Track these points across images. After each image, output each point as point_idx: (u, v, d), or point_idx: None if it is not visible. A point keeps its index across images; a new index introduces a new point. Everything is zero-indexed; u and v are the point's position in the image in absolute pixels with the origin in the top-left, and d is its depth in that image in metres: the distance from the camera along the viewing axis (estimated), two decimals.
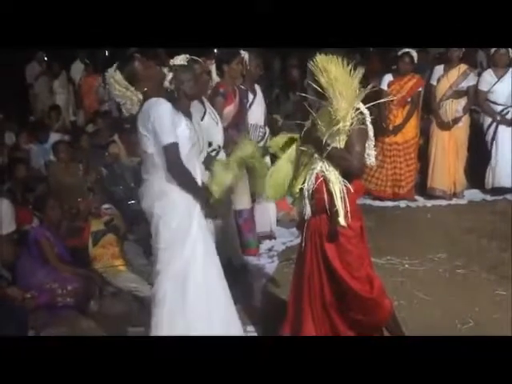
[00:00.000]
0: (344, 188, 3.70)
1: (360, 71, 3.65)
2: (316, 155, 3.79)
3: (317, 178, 3.76)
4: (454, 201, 7.92)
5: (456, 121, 7.82)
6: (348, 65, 3.63)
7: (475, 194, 8.11)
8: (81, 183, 6.96)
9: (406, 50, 7.71)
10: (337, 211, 3.67)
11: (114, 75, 4.17)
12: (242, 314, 4.87)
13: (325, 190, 3.72)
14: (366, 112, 3.73)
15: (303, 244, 3.92)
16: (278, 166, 4.15)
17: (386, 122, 7.78)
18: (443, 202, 7.87)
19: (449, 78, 7.80)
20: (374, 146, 3.85)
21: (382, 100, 3.90)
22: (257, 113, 6.23)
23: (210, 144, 5.12)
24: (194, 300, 3.99)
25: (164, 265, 4.00)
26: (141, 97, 4.10)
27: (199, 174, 4.11)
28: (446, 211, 7.64)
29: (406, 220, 7.38)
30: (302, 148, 3.89)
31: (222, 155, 5.20)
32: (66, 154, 7.34)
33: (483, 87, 7.92)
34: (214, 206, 4.17)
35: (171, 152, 3.91)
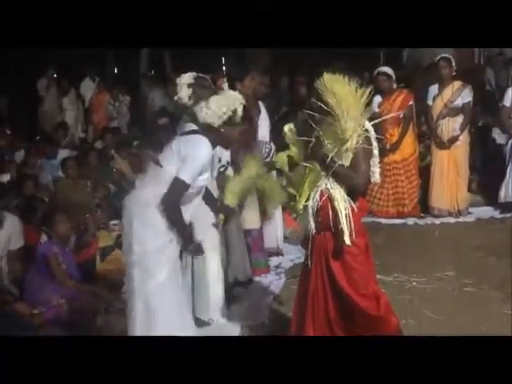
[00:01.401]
0: (349, 206, 3.70)
1: (367, 90, 3.66)
2: (322, 172, 3.79)
3: (321, 195, 3.76)
4: (462, 218, 7.89)
5: (454, 140, 7.78)
6: (355, 84, 3.64)
7: (484, 212, 8.07)
8: (89, 199, 6.99)
9: (379, 69, 7.81)
10: (342, 230, 3.67)
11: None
12: (248, 331, 4.88)
13: (330, 207, 3.72)
14: (371, 129, 3.74)
15: (308, 261, 3.91)
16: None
17: (383, 141, 7.75)
18: (451, 220, 7.84)
19: (443, 96, 7.79)
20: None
21: (376, 121, 3.90)
22: (262, 130, 6.25)
23: (219, 160, 5.15)
24: (161, 323, 4.07)
25: (136, 285, 4.07)
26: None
27: (188, 216, 4.15)
28: (455, 229, 7.61)
29: (414, 237, 7.35)
30: (307, 165, 3.89)
31: (229, 171, 5.23)
32: (75, 170, 7.37)
33: (507, 103, 7.92)
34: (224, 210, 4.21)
35: (178, 187, 3.96)
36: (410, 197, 7.95)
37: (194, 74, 4.37)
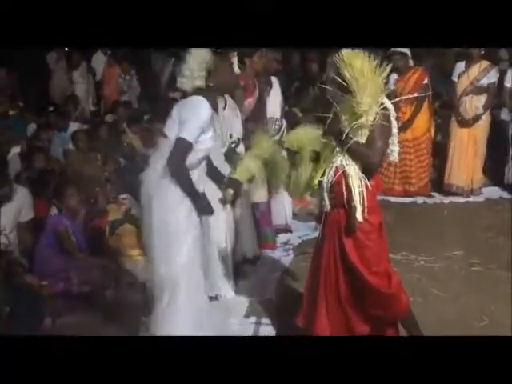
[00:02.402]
0: (363, 183, 3.69)
1: (386, 67, 3.64)
2: (337, 148, 3.78)
3: (336, 171, 3.75)
4: (472, 198, 7.89)
5: (476, 118, 7.78)
6: (374, 60, 3.62)
7: (493, 192, 8.09)
8: (99, 173, 7.00)
9: (393, 49, 7.72)
10: (355, 206, 3.67)
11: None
12: (257, 307, 4.91)
13: (344, 183, 3.71)
14: (391, 107, 3.73)
15: (321, 237, 3.92)
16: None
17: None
18: (460, 199, 7.85)
19: (469, 74, 7.77)
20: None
21: (396, 100, 3.87)
22: (273, 105, 6.23)
23: (230, 136, 5.14)
24: (186, 301, 4.07)
25: (161, 264, 4.07)
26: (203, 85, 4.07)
27: (199, 181, 4.14)
28: (463, 208, 7.61)
29: (423, 216, 7.35)
30: (324, 140, 3.88)
31: (241, 147, 5.23)
32: (85, 143, 7.40)
33: (508, 83, 7.88)
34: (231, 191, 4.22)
35: (180, 147, 3.94)
36: (418, 176, 7.93)
37: (212, 49, 4.34)
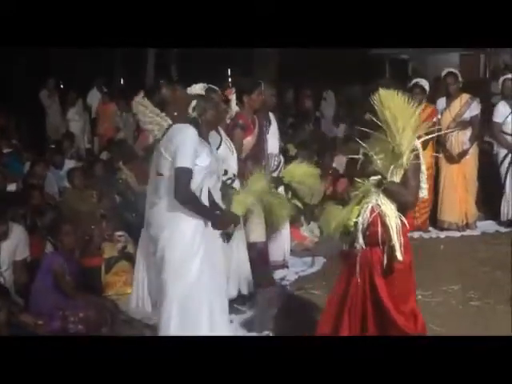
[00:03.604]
0: (399, 222, 3.71)
1: (419, 107, 3.70)
2: (372, 189, 3.77)
3: (372, 211, 3.75)
4: (468, 232, 7.88)
5: (464, 153, 7.77)
6: (408, 100, 3.65)
7: (488, 226, 8.09)
8: (94, 210, 7.00)
9: (416, 81, 7.74)
10: (393, 246, 3.67)
11: (143, 102, 4.20)
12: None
13: (379, 223, 3.71)
14: (419, 146, 3.77)
15: (346, 274, 3.91)
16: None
17: None
18: (456, 234, 7.84)
19: (451, 110, 7.79)
20: None
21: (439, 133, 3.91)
22: (272, 142, 6.24)
23: (225, 172, 5.15)
24: (197, 323, 4.13)
25: (170, 290, 4.11)
26: (170, 122, 4.12)
27: (207, 199, 4.19)
28: (460, 242, 7.60)
29: (419, 251, 7.32)
30: (359, 181, 3.85)
31: (236, 184, 5.23)
32: (81, 180, 7.40)
33: (498, 119, 7.93)
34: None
35: (182, 176, 3.97)
36: (420, 210, 7.90)
37: (205, 84, 4.37)
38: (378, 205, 3.73)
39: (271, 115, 6.36)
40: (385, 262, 3.74)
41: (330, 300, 4.08)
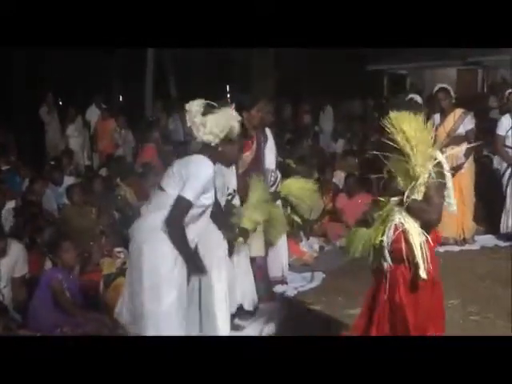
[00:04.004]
0: (423, 239, 3.71)
1: (431, 123, 3.72)
2: (395, 207, 3.78)
3: (395, 229, 3.75)
4: (467, 246, 7.86)
5: (459, 168, 7.72)
6: (421, 119, 3.67)
7: (488, 240, 8.07)
8: (93, 226, 7.00)
9: (411, 95, 7.76)
10: (417, 264, 3.68)
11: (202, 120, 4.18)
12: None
13: (403, 240, 3.72)
14: (444, 160, 3.76)
15: (375, 292, 3.92)
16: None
17: None
18: (455, 248, 7.82)
19: (445, 126, 7.77)
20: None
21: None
22: (269, 157, 6.25)
23: (226, 188, 5.17)
24: None
25: (146, 309, 4.11)
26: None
27: (195, 239, 4.20)
28: (459, 257, 7.57)
29: None
30: (381, 199, 3.86)
31: (236, 200, 5.24)
32: (80, 197, 7.40)
33: (501, 132, 7.95)
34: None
35: (180, 206, 3.99)
36: None
37: (203, 101, 4.38)
38: (402, 223, 3.74)
39: (268, 131, 6.37)
40: (407, 278, 3.75)
41: (361, 315, 4.09)
